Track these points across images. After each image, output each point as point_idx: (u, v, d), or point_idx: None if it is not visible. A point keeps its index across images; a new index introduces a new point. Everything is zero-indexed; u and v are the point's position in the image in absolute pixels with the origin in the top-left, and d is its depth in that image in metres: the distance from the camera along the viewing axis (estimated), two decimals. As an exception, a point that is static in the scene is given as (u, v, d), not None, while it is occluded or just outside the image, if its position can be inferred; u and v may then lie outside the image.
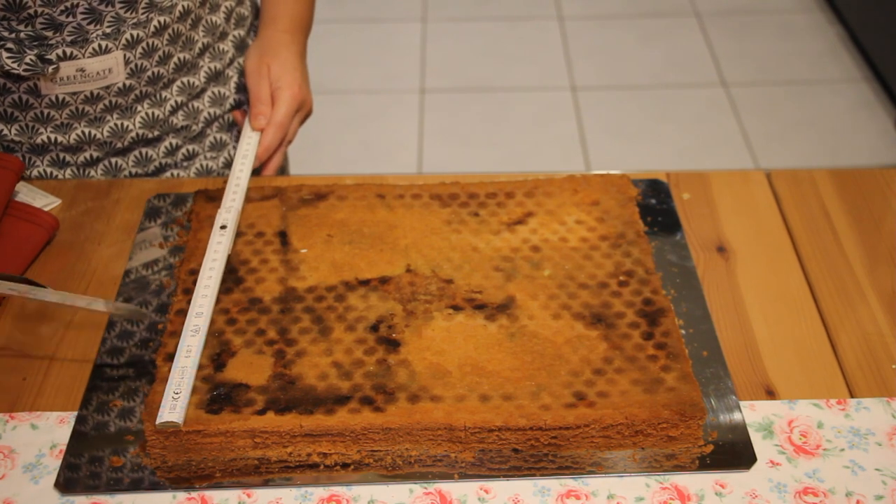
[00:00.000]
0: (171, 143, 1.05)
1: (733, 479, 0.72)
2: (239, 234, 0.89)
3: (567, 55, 2.82)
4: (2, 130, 0.96)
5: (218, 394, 0.74)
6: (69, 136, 0.98)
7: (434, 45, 2.85)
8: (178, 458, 0.72)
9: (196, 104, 1.05)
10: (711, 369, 0.79)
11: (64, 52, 0.91)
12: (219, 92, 1.07)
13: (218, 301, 0.82)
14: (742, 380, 0.79)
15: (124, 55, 0.94)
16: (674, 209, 0.94)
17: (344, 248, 0.87)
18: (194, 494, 0.71)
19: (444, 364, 0.76)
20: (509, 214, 0.91)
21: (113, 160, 1.02)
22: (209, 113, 1.07)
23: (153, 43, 0.96)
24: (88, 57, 0.92)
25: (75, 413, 0.76)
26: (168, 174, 1.06)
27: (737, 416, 0.75)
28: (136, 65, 0.96)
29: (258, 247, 0.87)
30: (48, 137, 0.97)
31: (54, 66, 0.91)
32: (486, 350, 0.77)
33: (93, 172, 1.02)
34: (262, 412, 0.72)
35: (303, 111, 1.05)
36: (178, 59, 1.00)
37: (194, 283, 0.83)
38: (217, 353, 0.77)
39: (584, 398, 0.74)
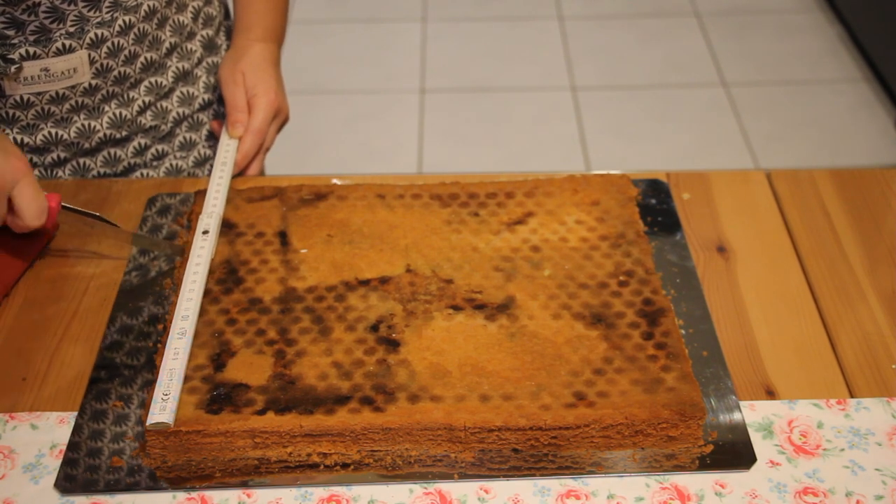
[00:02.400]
0: (139, 143, 1.04)
1: (733, 479, 0.72)
2: (239, 235, 0.89)
3: (567, 55, 2.82)
4: None
5: (218, 394, 0.74)
6: (35, 138, 0.97)
7: (434, 45, 2.85)
8: (178, 458, 0.72)
9: (164, 104, 1.04)
10: (711, 369, 0.79)
11: (27, 52, 0.90)
12: (187, 91, 1.06)
13: (218, 301, 0.82)
14: (742, 380, 0.79)
15: (89, 55, 0.93)
16: (674, 209, 0.94)
17: (344, 248, 0.87)
18: (194, 494, 0.71)
19: (444, 364, 0.76)
20: (509, 214, 0.91)
21: (81, 160, 1.01)
22: (178, 113, 1.06)
23: (118, 42, 0.95)
24: (52, 56, 0.91)
25: (75, 413, 0.76)
26: (137, 174, 1.06)
27: (737, 416, 0.75)
28: (101, 64, 0.95)
29: (258, 247, 0.87)
30: (14, 139, 0.96)
31: (17, 65, 0.90)
32: (486, 350, 0.77)
33: (60, 173, 1.01)
34: (262, 412, 0.72)
35: (280, 118, 1.05)
36: (145, 58, 0.99)
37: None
38: (217, 353, 0.77)
39: (584, 398, 0.74)
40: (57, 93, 0.94)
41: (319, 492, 0.71)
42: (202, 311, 0.81)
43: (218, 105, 1.11)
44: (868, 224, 0.94)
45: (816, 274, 0.89)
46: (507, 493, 0.71)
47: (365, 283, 0.84)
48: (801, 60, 2.79)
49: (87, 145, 1.00)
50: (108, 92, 0.98)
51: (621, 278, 0.84)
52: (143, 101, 1.02)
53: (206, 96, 1.09)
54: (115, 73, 0.97)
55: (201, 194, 0.93)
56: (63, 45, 0.91)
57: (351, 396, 0.74)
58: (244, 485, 0.71)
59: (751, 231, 0.93)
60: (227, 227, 0.89)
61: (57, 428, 0.75)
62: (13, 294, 0.86)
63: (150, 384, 0.76)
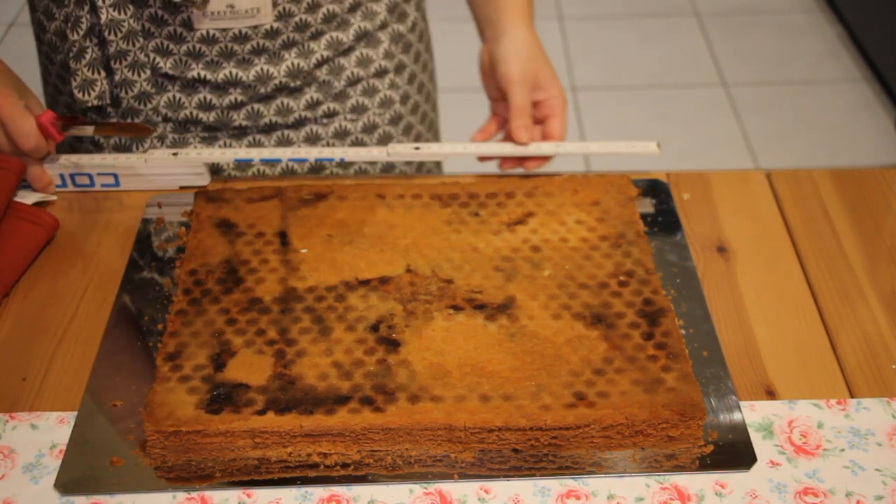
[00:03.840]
0: (312, 97, 1.04)
1: (733, 480, 0.72)
2: (239, 234, 0.89)
3: (567, 55, 2.82)
4: (158, 63, 0.98)
5: (218, 394, 0.74)
6: (217, 75, 0.99)
7: (436, 46, 2.84)
8: (178, 458, 0.72)
9: (342, 61, 1.03)
10: (711, 369, 0.79)
11: None
12: (366, 54, 1.04)
13: (218, 301, 0.82)
14: (742, 380, 0.79)
15: None
16: (674, 209, 0.94)
17: (344, 248, 0.87)
18: (194, 494, 0.71)
19: (444, 364, 0.76)
20: (509, 214, 0.91)
21: (255, 106, 1.02)
22: (353, 73, 1.04)
23: None
24: None
25: (75, 413, 0.76)
26: (307, 129, 1.05)
27: (737, 417, 0.75)
28: (283, 8, 0.96)
29: (258, 247, 0.87)
30: (199, 73, 0.98)
31: None
32: (486, 350, 0.77)
33: (235, 116, 1.02)
34: (262, 412, 0.72)
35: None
36: (328, 10, 0.99)
37: (194, 283, 0.84)
38: (217, 353, 0.77)
39: (585, 398, 0.74)
40: (240, 31, 0.96)
41: (319, 492, 0.71)
42: (202, 311, 0.81)
43: (394, 75, 1.08)
44: (868, 224, 0.94)
45: (816, 274, 0.89)
46: (507, 494, 0.71)
47: (365, 283, 0.84)
48: (801, 60, 2.80)
49: (262, 90, 1.01)
50: (288, 38, 0.98)
51: (621, 278, 0.84)
52: (322, 55, 1.01)
53: (384, 63, 1.06)
54: (297, 19, 0.97)
55: (201, 195, 0.93)
56: None
57: (351, 396, 0.74)
58: (244, 485, 0.71)
59: (751, 231, 0.93)
60: (227, 227, 0.89)
61: (57, 428, 0.75)
62: (13, 294, 0.86)
63: (150, 383, 0.76)
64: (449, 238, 0.88)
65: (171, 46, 0.97)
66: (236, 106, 1.01)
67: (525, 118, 0.98)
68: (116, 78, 0.97)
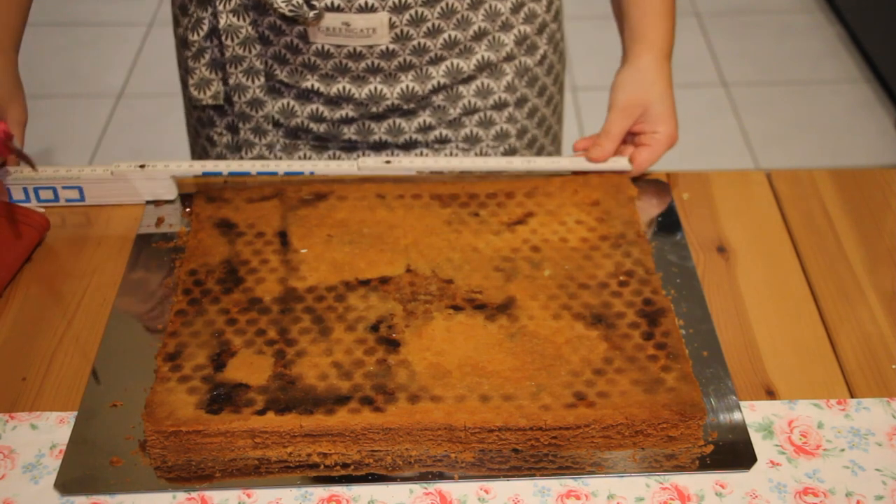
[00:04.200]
0: (425, 121, 1.02)
1: (733, 480, 0.72)
2: (239, 235, 0.89)
3: (567, 55, 2.82)
4: (276, 71, 0.99)
5: (218, 394, 0.74)
6: (330, 90, 0.99)
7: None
8: (178, 458, 0.72)
9: (460, 89, 1.01)
10: (711, 369, 0.79)
11: (331, 3, 0.92)
12: (487, 84, 1.02)
13: (218, 301, 0.82)
14: (742, 380, 0.79)
15: (390, 18, 0.93)
16: (674, 209, 0.94)
17: (344, 248, 0.87)
18: (194, 494, 0.71)
19: (444, 364, 0.76)
20: (509, 215, 0.91)
21: (367, 123, 1.02)
22: (470, 102, 1.02)
23: (422, 13, 0.94)
24: (354, 12, 0.92)
25: (75, 413, 0.75)
26: (417, 151, 1.04)
27: (737, 416, 0.75)
28: (401, 31, 0.95)
29: (258, 247, 0.87)
30: (312, 85, 0.99)
31: (317, 12, 0.91)
32: (486, 350, 0.77)
33: (346, 130, 1.02)
34: (262, 412, 0.72)
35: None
36: (449, 36, 0.97)
37: (194, 283, 0.84)
38: (217, 353, 0.77)
39: (585, 398, 0.74)
40: (355, 49, 0.95)
41: (319, 492, 0.71)
42: (202, 311, 0.81)
43: (514, 108, 1.05)
44: (868, 224, 0.94)
45: (816, 274, 0.89)
46: (508, 494, 0.71)
47: (365, 283, 0.84)
48: (801, 60, 2.79)
49: (374, 109, 1.00)
50: (404, 61, 0.97)
51: (621, 278, 0.84)
52: (439, 82, 1.00)
53: (504, 95, 1.03)
54: (415, 42, 0.96)
55: (200, 195, 0.93)
56: (366, 3, 0.92)
57: (351, 396, 0.74)
58: (244, 485, 0.71)
59: (751, 231, 0.93)
60: (227, 227, 0.89)
61: (57, 428, 0.75)
62: (13, 294, 0.86)
63: (150, 384, 0.76)
64: (449, 238, 0.88)
65: (288, 56, 0.97)
66: (347, 121, 1.01)
67: (609, 144, 0.96)
68: (231, 81, 0.98)
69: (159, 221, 0.93)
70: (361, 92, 0.99)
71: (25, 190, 0.94)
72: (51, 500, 0.70)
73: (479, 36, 0.98)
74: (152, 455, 0.72)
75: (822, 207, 0.96)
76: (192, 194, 0.95)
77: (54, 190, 0.94)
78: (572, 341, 0.78)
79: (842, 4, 2.89)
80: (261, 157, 1.04)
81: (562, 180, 0.94)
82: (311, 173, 0.95)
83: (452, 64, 0.99)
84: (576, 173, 0.96)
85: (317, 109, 1.01)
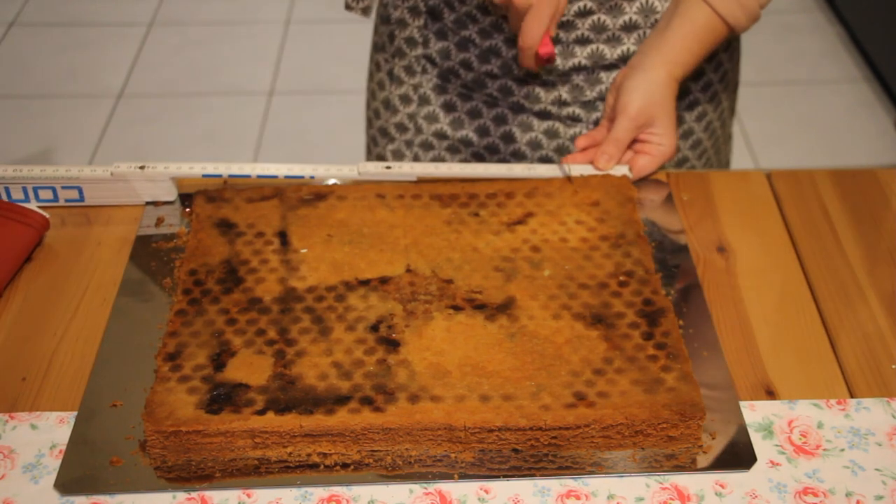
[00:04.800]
0: (561, 96, 1.04)
1: (733, 480, 0.72)
2: (239, 234, 0.89)
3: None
4: (446, 14, 1.04)
5: (218, 394, 0.74)
6: (484, 42, 1.03)
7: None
8: (178, 458, 0.72)
9: (601, 74, 1.02)
10: (711, 369, 0.79)
11: None
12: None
13: (218, 301, 0.82)
14: (742, 380, 0.79)
15: None
16: (674, 209, 0.94)
17: (344, 248, 0.87)
18: (194, 494, 0.71)
19: (444, 364, 0.76)
20: (509, 215, 0.91)
21: (508, 83, 1.05)
22: (607, 89, 1.02)
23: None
24: None
25: (75, 413, 0.76)
26: (550, 123, 1.06)
27: (737, 416, 0.75)
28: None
29: (258, 247, 0.87)
30: (470, 35, 1.04)
31: None
32: (486, 350, 0.77)
33: (489, 84, 1.05)
34: (262, 412, 0.72)
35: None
36: (598, 19, 0.99)
37: (194, 283, 0.84)
38: (217, 353, 0.77)
39: (585, 398, 0.74)
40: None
41: (319, 492, 0.71)
42: (202, 311, 0.81)
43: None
44: (868, 224, 0.94)
45: (816, 274, 0.89)
46: (507, 494, 0.71)
47: (365, 283, 0.84)
48: (801, 60, 2.79)
49: (516, 72, 1.04)
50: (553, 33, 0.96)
51: (621, 278, 0.84)
52: (581, 62, 1.02)
53: None
54: (564, 18, 0.98)
55: (201, 194, 0.93)
56: None
57: (351, 396, 0.74)
58: (244, 485, 0.71)
59: (751, 231, 0.93)
60: (227, 227, 0.89)
61: (57, 428, 0.75)
62: (13, 294, 0.86)
63: (150, 384, 0.76)
64: (449, 238, 0.88)
65: (456, 4, 1.03)
66: (492, 76, 1.05)
67: (615, 150, 0.95)
68: (394, 15, 1.07)
69: (159, 221, 0.93)
70: (509, 53, 1.02)
71: (25, 189, 0.94)
72: (51, 500, 0.70)
73: (629, 28, 1.00)
74: (152, 455, 0.72)
75: (822, 207, 0.96)
76: (191, 194, 0.95)
77: (53, 190, 0.94)
78: (572, 341, 0.78)
79: (842, 4, 2.89)
80: (406, 97, 1.11)
81: (562, 181, 0.94)
82: (311, 177, 0.95)
83: (597, 49, 1.01)
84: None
85: (469, 59, 1.05)
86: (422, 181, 0.95)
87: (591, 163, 0.96)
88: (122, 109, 2.62)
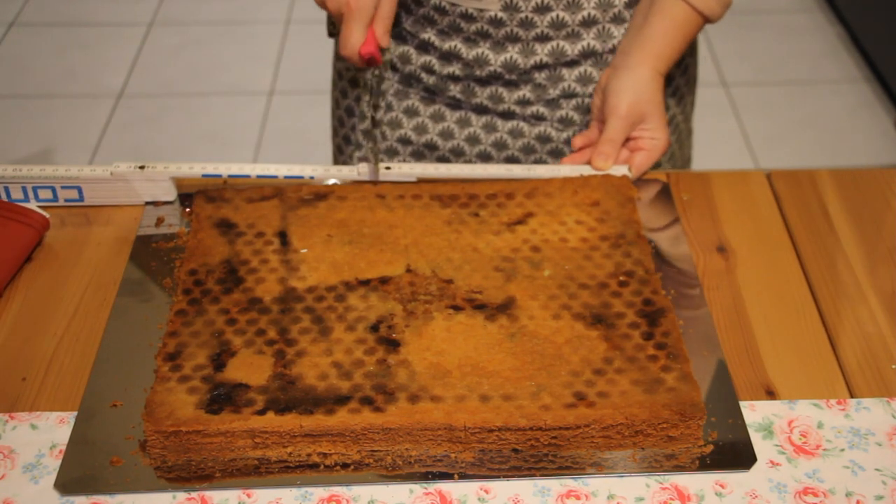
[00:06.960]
0: (524, 95, 1.04)
1: (733, 480, 0.72)
2: (239, 234, 0.89)
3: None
4: (402, 18, 1.04)
5: (218, 394, 0.74)
6: (444, 45, 1.02)
7: None
8: (178, 458, 0.72)
9: (563, 71, 1.03)
10: (711, 369, 0.79)
11: None
12: (589, 73, 1.03)
13: (218, 301, 0.82)
14: (742, 380, 0.79)
15: None
16: (674, 209, 0.94)
17: (344, 248, 0.87)
18: (194, 494, 0.71)
19: (444, 364, 0.76)
20: (509, 215, 0.91)
21: (471, 84, 1.05)
22: (570, 87, 1.03)
23: None
24: None
25: (75, 413, 0.76)
26: (514, 123, 1.06)
27: (737, 416, 0.75)
28: (510, 1, 0.97)
29: (258, 247, 0.87)
30: (429, 38, 1.03)
31: None
32: (486, 350, 0.77)
33: (452, 87, 1.06)
34: (262, 412, 0.72)
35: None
36: (557, 16, 0.98)
37: (194, 283, 0.84)
38: (217, 353, 0.77)
39: (585, 398, 0.74)
40: (467, 10, 0.98)
41: (319, 492, 0.71)
42: (202, 311, 0.81)
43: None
44: (868, 224, 0.94)
45: (816, 274, 0.89)
46: (507, 494, 0.71)
47: (365, 283, 0.84)
48: (801, 60, 2.79)
49: (479, 73, 1.03)
50: (511, 32, 0.99)
51: (621, 278, 0.84)
52: (542, 60, 1.02)
53: None
54: (522, 15, 0.98)
55: (201, 194, 0.93)
56: None
57: (351, 396, 0.74)
58: (244, 485, 0.71)
59: (751, 231, 0.93)
60: (227, 227, 0.89)
61: (57, 428, 0.75)
62: (13, 294, 0.86)
63: (150, 384, 0.76)
64: (449, 238, 0.88)
65: (412, 6, 1.02)
66: (454, 78, 1.05)
67: (611, 149, 0.96)
68: None
69: (159, 221, 0.93)
70: (469, 53, 1.02)
71: (24, 189, 0.94)
72: (51, 500, 0.70)
73: (588, 23, 1.00)
74: (152, 455, 0.72)
75: (822, 207, 0.96)
76: (191, 194, 0.95)
77: (53, 190, 0.94)
78: (572, 341, 0.78)
79: (842, 4, 2.89)
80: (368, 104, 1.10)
81: (562, 181, 0.94)
82: (311, 177, 0.95)
83: (557, 45, 1.01)
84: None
85: (429, 62, 1.05)
86: (422, 181, 0.95)
87: (589, 163, 0.96)
88: (122, 109, 2.62)
